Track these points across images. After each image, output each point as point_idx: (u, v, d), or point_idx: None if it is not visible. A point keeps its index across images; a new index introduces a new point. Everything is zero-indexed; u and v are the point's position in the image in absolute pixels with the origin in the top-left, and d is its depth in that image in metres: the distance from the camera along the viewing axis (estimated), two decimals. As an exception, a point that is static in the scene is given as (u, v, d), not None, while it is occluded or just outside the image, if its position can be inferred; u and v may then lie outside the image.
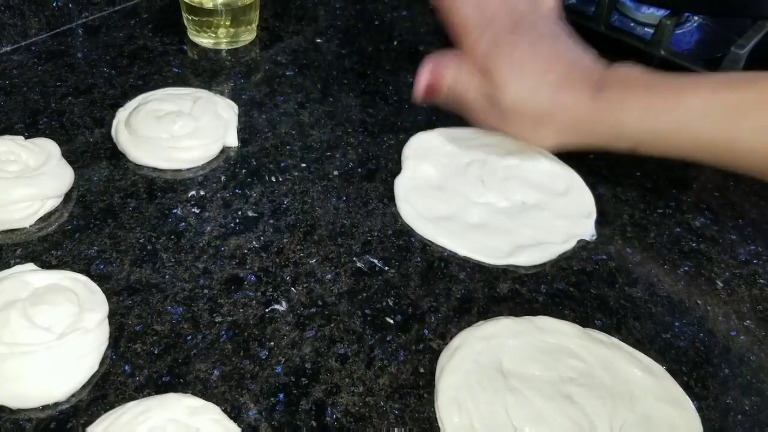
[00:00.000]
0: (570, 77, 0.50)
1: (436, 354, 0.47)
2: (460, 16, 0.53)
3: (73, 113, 0.63)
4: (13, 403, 0.42)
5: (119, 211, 0.55)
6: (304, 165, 0.61)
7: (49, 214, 0.54)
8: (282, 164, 0.61)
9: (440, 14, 0.54)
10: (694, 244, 0.57)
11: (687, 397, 0.45)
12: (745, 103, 0.46)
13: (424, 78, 0.54)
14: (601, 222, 0.58)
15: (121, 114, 0.62)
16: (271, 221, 0.56)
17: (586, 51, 0.52)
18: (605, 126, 0.50)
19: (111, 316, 0.47)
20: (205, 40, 0.74)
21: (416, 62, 0.56)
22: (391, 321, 0.49)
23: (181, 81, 0.69)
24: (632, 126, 0.49)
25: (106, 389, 0.44)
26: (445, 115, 0.67)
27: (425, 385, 0.46)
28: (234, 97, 0.67)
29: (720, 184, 0.64)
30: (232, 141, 0.62)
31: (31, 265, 0.49)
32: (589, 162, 0.64)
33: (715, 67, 0.77)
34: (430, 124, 0.65)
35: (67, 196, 0.56)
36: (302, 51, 0.75)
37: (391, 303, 0.51)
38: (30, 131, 0.61)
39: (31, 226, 0.53)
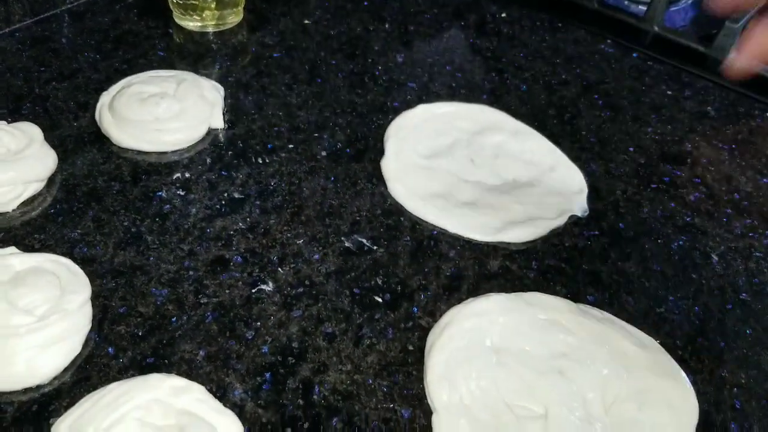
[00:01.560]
0: None
1: (425, 332, 0.46)
2: None
3: (57, 98, 0.63)
4: (-6, 386, 0.41)
5: (103, 195, 0.54)
6: (291, 146, 0.60)
7: (32, 198, 0.53)
8: (269, 146, 0.60)
9: None
10: (688, 219, 0.56)
11: (681, 370, 0.45)
12: None
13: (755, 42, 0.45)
14: (593, 198, 0.57)
15: (105, 98, 0.61)
16: (258, 203, 0.55)
17: None
18: None
19: (94, 298, 0.46)
20: (191, 23, 0.73)
21: (406, 43, 0.55)
22: (380, 300, 0.49)
23: (166, 64, 0.68)
24: None
25: (89, 371, 0.43)
26: (435, 93, 0.67)
27: (414, 363, 0.45)
28: (221, 79, 0.66)
29: (714, 158, 0.63)
30: (218, 123, 0.61)
31: (12, 249, 0.48)
32: (581, 138, 0.63)
33: (710, 43, 0.76)
34: (418, 102, 0.64)
35: (51, 181, 0.55)
36: (290, 32, 0.74)
37: (379, 282, 0.50)
38: (13, 116, 0.60)
39: (13, 210, 0.52)
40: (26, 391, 0.42)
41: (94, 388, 0.42)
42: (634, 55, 0.76)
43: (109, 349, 0.44)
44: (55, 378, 0.42)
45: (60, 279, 0.45)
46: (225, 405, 0.41)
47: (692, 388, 0.44)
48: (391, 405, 0.43)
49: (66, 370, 0.43)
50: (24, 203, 0.53)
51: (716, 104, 0.70)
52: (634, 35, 0.78)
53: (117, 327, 0.45)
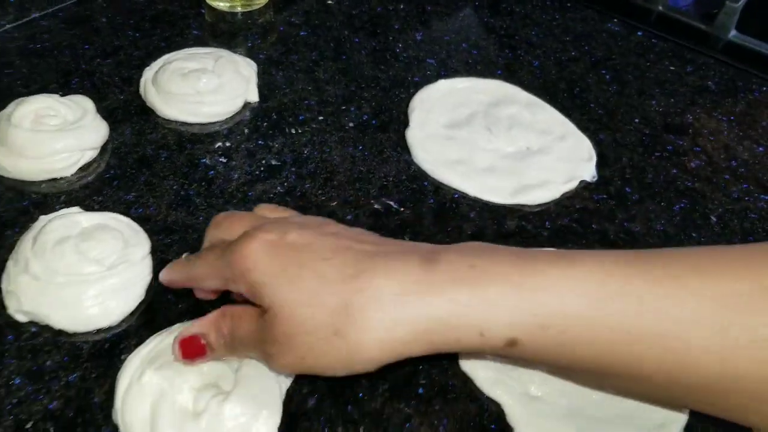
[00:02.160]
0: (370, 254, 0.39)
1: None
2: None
3: (102, 73, 0.67)
4: (71, 327, 0.47)
5: (152, 161, 0.59)
6: (321, 118, 0.65)
7: (88, 165, 0.58)
8: (300, 117, 0.65)
9: None
10: (689, 184, 0.61)
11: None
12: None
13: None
14: (601, 165, 0.62)
15: (148, 73, 0.65)
16: (293, 169, 0.60)
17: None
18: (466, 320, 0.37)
19: (153, 252, 0.51)
20: (221, 3, 0.77)
21: (424, 22, 0.59)
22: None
23: (200, 43, 0.72)
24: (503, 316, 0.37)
25: (153, 314, 0.48)
26: (453, 69, 0.72)
27: (441, 310, 0.50)
28: (251, 56, 0.71)
29: (714, 129, 0.67)
30: (253, 96, 0.66)
31: (76, 209, 0.53)
32: (590, 110, 0.68)
33: (711, 21, 0.80)
34: (437, 78, 0.69)
35: (103, 149, 0.60)
36: (314, 12, 0.79)
37: (407, 239, 0.55)
38: (63, 90, 0.64)
39: (72, 175, 0.57)
40: (98, 332, 0.47)
41: (159, 328, 0.47)
42: (639, 33, 0.81)
43: (169, 296, 0.49)
44: (123, 320, 0.48)
45: (123, 234, 0.50)
46: (275, 344, 0.46)
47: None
48: (422, 345, 0.48)
49: (132, 313, 0.48)
50: (81, 169, 0.58)
51: (716, 79, 0.75)
52: (639, 14, 0.83)
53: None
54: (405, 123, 0.64)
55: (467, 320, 0.36)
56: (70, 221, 0.50)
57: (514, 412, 0.44)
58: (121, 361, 0.45)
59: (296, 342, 0.38)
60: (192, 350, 0.42)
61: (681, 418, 0.44)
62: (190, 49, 0.68)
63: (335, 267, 0.38)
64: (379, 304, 0.36)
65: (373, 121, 0.65)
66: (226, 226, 0.44)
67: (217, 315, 0.42)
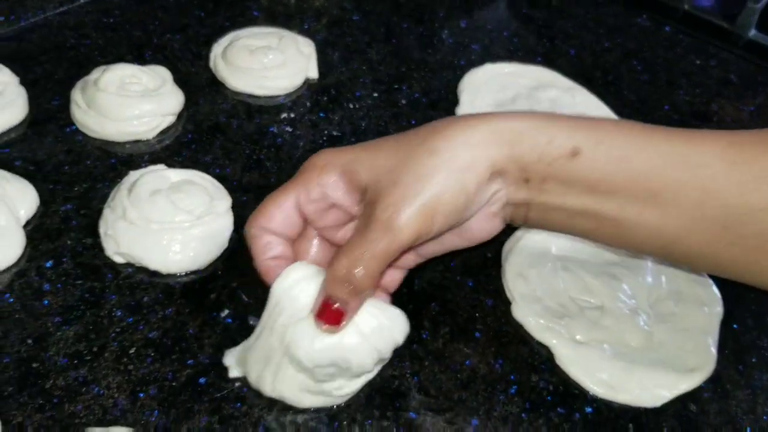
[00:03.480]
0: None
1: (499, 243, 0.57)
2: None
3: (173, 48, 0.73)
4: (164, 268, 0.52)
5: (225, 128, 0.64)
6: (376, 95, 0.70)
7: (167, 129, 0.64)
8: (357, 93, 0.70)
9: None
10: (714, 165, 0.67)
11: (709, 278, 0.55)
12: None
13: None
14: (634, 146, 0.67)
15: (217, 48, 0.71)
16: (353, 139, 0.65)
17: None
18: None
19: (231, 208, 0.57)
20: (278, -12, 0.83)
21: (467, 11, 0.64)
22: (462, 218, 0.59)
23: (260, 23, 0.77)
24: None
25: (235, 262, 0.53)
26: (496, 55, 0.77)
27: (492, 267, 0.55)
28: (307, 38, 0.76)
29: (737, 117, 0.73)
30: (313, 73, 0.71)
31: (162, 166, 0.58)
32: (623, 96, 0.73)
33: (733, 20, 0.86)
34: (482, 61, 0.74)
35: (179, 116, 0.65)
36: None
37: (460, 204, 0.60)
38: (138, 62, 0.69)
39: (153, 138, 0.63)
40: (188, 274, 0.52)
41: (241, 275, 0.53)
42: (667, 28, 0.86)
43: (249, 247, 0.55)
44: (210, 265, 0.53)
45: (207, 189, 0.56)
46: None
47: (718, 292, 0.54)
48: (476, 296, 0.53)
49: (217, 260, 0.53)
50: (161, 133, 0.63)
51: (738, 73, 0.80)
52: (666, 11, 0.88)
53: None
54: (454, 102, 0.69)
55: (540, 131, 0.41)
56: (159, 175, 0.56)
57: (561, 354, 0.49)
58: (211, 300, 0.51)
59: (406, 183, 0.40)
60: (333, 316, 0.41)
61: (710, 364, 0.50)
62: (255, 27, 0.74)
63: (403, 134, 0.44)
64: (462, 124, 0.42)
65: (424, 100, 0.70)
66: None
67: (328, 271, 0.41)
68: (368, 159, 0.43)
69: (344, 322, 0.41)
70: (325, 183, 0.44)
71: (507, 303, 0.53)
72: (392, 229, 0.39)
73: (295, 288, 0.42)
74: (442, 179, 0.40)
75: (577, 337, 0.50)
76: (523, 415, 0.46)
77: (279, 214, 0.45)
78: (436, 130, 0.42)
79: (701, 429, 0.47)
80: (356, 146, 0.45)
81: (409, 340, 0.46)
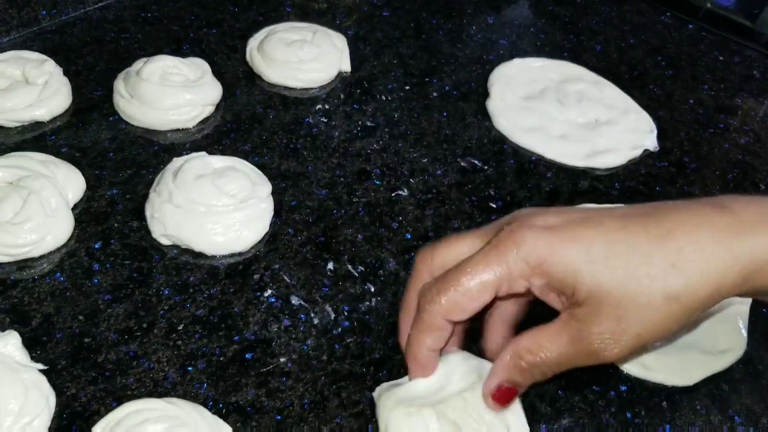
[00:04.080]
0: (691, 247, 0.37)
1: (533, 230, 0.58)
2: None
3: (209, 42, 0.74)
4: (209, 250, 0.53)
5: (262, 119, 0.66)
6: (407, 87, 0.72)
7: (206, 119, 0.65)
8: (389, 86, 0.72)
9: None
10: (740, 157, 0.68)
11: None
12: None
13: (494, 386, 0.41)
14: (661, 138, 0.69)
15: (253, 42, 0.73)
16: (386, 130, 0.67)
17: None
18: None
19: (271, 194, 0.58)
20: (309, -15, 0.84)
21: (494, 8, 0.66)
22: (494, 206, 0.60)
23: (293, 19, 0.79)
24: None
25: (277, 244, 0.55)
26: (523, 50, 0.78)
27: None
28: (340, 33, 0.78)
29: (760, 111, 0.74)
30: (346, 66, 0.73)
31: (204, 153, 0.60)
32: (649, 91, 0.75)
33: (755, 19, 0.87)
34: (510, 56, 0.76)
35: (218, 107, 0.67)
36: (393, -4, 0.86)
37: (492, 193, 0.62)
38: (177, 55, 0.71)
39: (193, 127, 0.64)
40: (232, 255, 0.54)
41: (282, 257, 0.54)
42: (690, 26, 0.87)
43: (289, 230, 0.56)
44: (252, 247, 0.55)
45: (249, 175, 0.58)
46: (383, 273, 0.53)
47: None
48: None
49: (259, 242, 0.55)
50: (201, 122, 0.65)
51: (761, 69, 0.81)
52: (689, 9, 0.89)
53: (292, 215, 0.57)
54: (484, 95, 0.71)
55: None
56: (203, 162, 0.57)
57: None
58: (254, 280, 0.52)
59: (631, 322, 0.36)
60: (506, 397, 0.40)
61: (741, 346, 0.51)
62: (289, 23, 0.75)
63: (632, 229, 0.37)
64: (703, 253, 0.36)
65: (455, 93, 0.72)
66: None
67: (510, 355, 0.39)
68: (586, 265, 0.37)
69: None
70: (535, 284, 0.39)
71: (541, 286, 0.54)
72: (596, 356, 0.38)
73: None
74: (675, 326, 0.37)
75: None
76: (559, 392, 0.48)
77: (472, 305, 0.39)
78: (677, 265, 0.36)
79: (733, 407, 0.48)
80: (566, 231, 0.38)
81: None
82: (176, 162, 0.57)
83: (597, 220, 0.38)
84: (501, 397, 0.40)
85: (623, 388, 0.48)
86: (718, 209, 0.37)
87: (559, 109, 0.69)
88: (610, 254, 0.36)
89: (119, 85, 0.65)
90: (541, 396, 0.47)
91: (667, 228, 0.36)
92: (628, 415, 0.47)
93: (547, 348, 0.38)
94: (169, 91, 0.63)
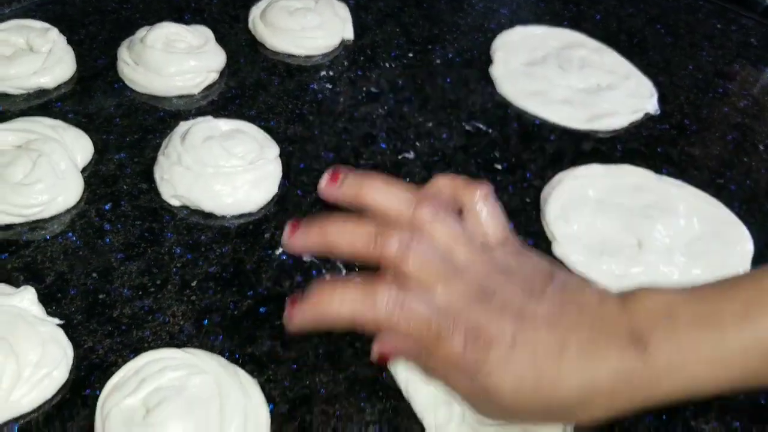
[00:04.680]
0: (595, 341, 0.35)
1: (537, 189, 0.59)
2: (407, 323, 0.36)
3: (211, 11, 0.75)
4: (219, 210, 0.54)
5: (267, 85, 0.66)
6: (410, 55, 0.72)
7: (210, 86, 0.66)
8: (392, 54, 0.72)
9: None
10: (739, 120, 0.69)
11: (739, 220, 0.57)
12: None
13: (377, 347, 0.37)
14: (661, 102, 0.69)
15: (256, 11, 0.73)
16: (391, 95, 0.67)
17: (578, 279, 0.41)
18: (670, 386, 0.36)
19: (279, 156, 0.59)
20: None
21: None
22: (499, 167, 0.61)
23: (293, -10, 0.80)
24: (706, 378, 0.36)
25: (286, 205, 0.56)
26: (524, 18, 0.79)
27: (531, 210, 0.57)
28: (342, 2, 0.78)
29: (758, 76, 0.75)
30: (349, 34, 0.73)
31: (210, 117, 0.60)
32: (648, 57, 0.75)
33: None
34: (511, 24, 0.76)
35: (222, 73, 0.67)
36: (393, -32, 0.86)
37: (497, 155, 0.62)
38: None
39: (198, 93, 0.65)
40: (242, 216, 0.54)
41: (290, 217, 0.54)
42: (687, -4, 0.88)
43: (298, 192, 0.57)
44: (262, 208, 0.55)
45: (256, 138, 0.58)
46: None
47: (748, 232, 0.56)
48: (518, 236, 0.55)
49: (268, 203, 0.55)
50: (205, 89, 0.65)
51: (758, 36, 0.82)
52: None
53: (300, 177, 0.58)
54: (486, 62, 0.71)
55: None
56: (210, 125, 0.58)
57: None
58: (265, 239, 0.53)
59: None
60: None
61: None
62: (290, -9, 0.76)
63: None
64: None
65: (457, 59, 0.72)
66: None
67: None
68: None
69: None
70: None
71: (548, 242, 0.55)
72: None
73: None
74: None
75: (617, 272, 0.52)
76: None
77: None
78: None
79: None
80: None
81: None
82: (183, 125, 0.58)
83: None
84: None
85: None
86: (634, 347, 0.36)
87: (561, 74, 0.69)
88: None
89: (123, 52, 0.65)
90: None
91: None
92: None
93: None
94: (173, 57, 0.63)
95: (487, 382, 0.35)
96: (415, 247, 0.36)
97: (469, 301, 0.36)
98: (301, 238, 0.39)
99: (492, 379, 0.35)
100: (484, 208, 0.40)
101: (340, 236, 0.38)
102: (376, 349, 0.37)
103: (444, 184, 0.41)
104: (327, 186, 0.40)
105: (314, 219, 0.38)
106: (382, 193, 0.39)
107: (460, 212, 0.40)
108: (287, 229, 0.39)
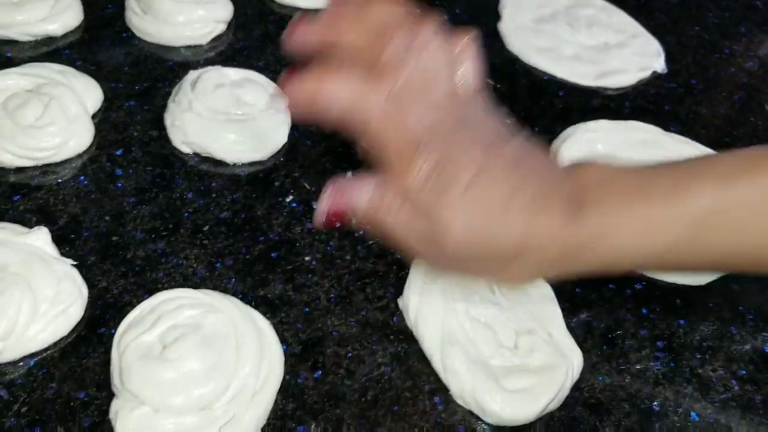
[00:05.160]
0: (539, 198, 0.36)
1: (546, 144, 0.59)
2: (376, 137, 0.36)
3: (218, -37, 0.74)
4: (229, 157, 0.54)
5: (275, 37, 0.66)
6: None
7: (218, 37, 0.65)
8: (400, 9, 0.72)
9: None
10: (745, 80, 0.69)
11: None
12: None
13: (326, 202, 0.38)
14: (669, 61, 0.69)
15: (263, -37, 0.72)
16: (399, 50, 0.67)
17: (534, 144, 0.40)
18: (595, 253, 0.38)
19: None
20: None
21: None
22: (507, 121, 0.61)
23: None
24: (630, 248, 0.38)
25: (296, 154, 0.56)
26: (532, -24, 0.78)
27: (541, 164, 0.58)
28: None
29: (763, 39, 0.75)
30: (357, -11, 0.72)
31: (219, 67, 0.60)
32: (656, 18, 0.75)
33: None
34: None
35: (229, 25, 0.66)
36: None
37: (505, 109, 0.62)
38: (185, -24, 0.71)
39: (206, 44, 0.64)
40: (252, 164, 0.54)
41: (301, 166, 0.55)
42: (694, -42, 0.88)
43: (308, 142, 0.57)
44: (271, 157, 0.55)
45: (266, 87, 0.58)
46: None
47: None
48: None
49: (278, 152, 0.55)
50: (213, 40, 0.65)
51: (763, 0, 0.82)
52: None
53: (309, 127, 0.58)
54: (494, 18, 0.71)
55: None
56: (220, 73, 0.58)
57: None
58: (275, 187, 0.53)
59: None
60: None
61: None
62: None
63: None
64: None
65: (465, 16, 0.72)
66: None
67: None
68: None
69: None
70: None
71: (556, 195, 0.55)
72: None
73: None
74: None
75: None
76: (577, 290, 0.49)
77: None
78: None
79: (744, 305, 0.50)
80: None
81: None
82: (193, 74, 0.57)
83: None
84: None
85: (638, 286, 0.50)
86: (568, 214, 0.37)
87: (570, 32, 0.69)
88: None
89: (131, 2, 0.64)
90: (559, 292, 0.48)
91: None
92: (644, 311, 0.49)
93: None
94: (181, 6, 0.63)
95: (439, 217, 0.36)
96: (415, 56, 0.36)
97: (448, 130, 0.36)
98: (303, 31, 0.39)
99: (444, 214, 0.36)
100: (469, 56, 0.40)
101: (347, 26, 0.38)
102: (330, 203, 0.37)
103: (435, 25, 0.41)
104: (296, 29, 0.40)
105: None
106: (381, 7, 0.39)
107: None
108: (289, 28, 0.39)
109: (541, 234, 0.36)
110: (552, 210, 0.36)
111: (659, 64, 0.68)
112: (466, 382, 0.42)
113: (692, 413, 0.44)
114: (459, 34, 0.40)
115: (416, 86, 0.36)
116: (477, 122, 0.39)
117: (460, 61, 0.39)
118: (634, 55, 0.68)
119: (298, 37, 0.39)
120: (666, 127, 0.62)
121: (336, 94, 0.36)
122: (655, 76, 0.68)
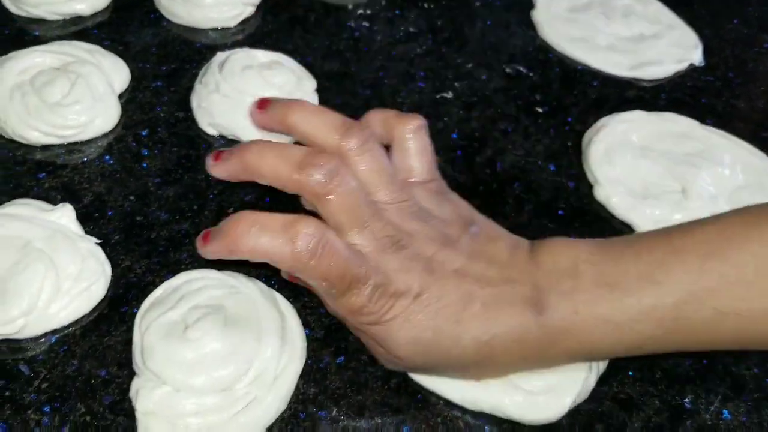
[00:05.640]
0: (491, 305, 0.36)
1: (579, 134, 0.58)
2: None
3: (248, -53, 0.73)
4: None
5: (303, 21, 0.65)
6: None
7: (247, 20, 0.64)
8: (430, -5, 0.71)
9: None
10: (786, 74, 0.67)
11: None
12: (746, 270, 0.35)
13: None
14: (706, 53, 0.68)
15: (293, -53, 0.71)
16: (430, 35, 0.66)
17: (494, 227, 0.41)
18: (565, 350, 0.37)
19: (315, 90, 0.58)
20: None
21: None
22: (540, 110, 0.60)
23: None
24: (602, 343, 0.37)
25: (323, 138, 0.55)
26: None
27: (573, 153, 0.56)
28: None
29: (807, 33, 0.73)
30: (388, -25, 0.71)
31: (247, 48, 0.59)
32: (694, 10, 0.73)
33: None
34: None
35: (258, 8, 0.66)
36: None
37: (538, 98, 0.61)
38: (215, -41, 0.70)
39: (235, 26, 0.64)
40: (279, 147, 0.54)
41: (328, 150, 0.54)
42: (734, -49, 0.86)
43: (335, 125, 0.56)
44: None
45: (294, 71, 0.57)
46: (433, 167, 0.53)
47: (795, 183, 0.55)
48: (559, 178, 0.54)
49: (306, 136, 0.55)
50: (241, 23, 0.64)
51: (806, -5, 0.80)
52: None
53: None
54: (528, 6, 0.70)
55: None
56: (248, 54, 0.57)
57: (645, 228, 0.50)
58: (303, 170, 0.52)
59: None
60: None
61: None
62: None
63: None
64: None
65: (498, 2, 0.71)
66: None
67: None
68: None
69: None
70: None
71: (589, 186, 0.54)
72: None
73: None
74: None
75: (660, 217, 0.51)
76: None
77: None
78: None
79: None
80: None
81: (492, 213, 0.47)
82: (221, 55, 0.57)
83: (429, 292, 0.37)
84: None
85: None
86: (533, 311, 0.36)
87: (605, 22, 0.68)
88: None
89: (160, -18, 0.64)
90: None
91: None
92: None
93: None
94: (212, -13, 0.62)
95: (387, 331, 0.36)
96: (339, 181, 0.36)
97: (384, 248, 0.36)
98: (224, 164, 0.38)
99: (391, 329, 0.36)
100: (414, 142, 0.41)
101: (263, 160, 0.37)
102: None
103: (376, 117, 0.41)
104: (255, 112, 0.41)
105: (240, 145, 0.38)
106: (308, 118, 0.39)
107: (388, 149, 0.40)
108: (210, 156, 0.39)
109: (501, 336, 0.36)
110: (512, 309, 0.36)
111: (697, 56, 0.66)
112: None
113: (724, 411, 0.42)
114: (403, 119, 0.41)
115: (349, 208, 0.36)
116: (429, 213, 0.39)
117: (404, 148, 0.40)
118: (671, 47, 0.67)
119: (219, 167, 0.39)
120: (703, 120, 0.60)
121: (253, 244, 0.35)
122: (692, 69, 0.66)
